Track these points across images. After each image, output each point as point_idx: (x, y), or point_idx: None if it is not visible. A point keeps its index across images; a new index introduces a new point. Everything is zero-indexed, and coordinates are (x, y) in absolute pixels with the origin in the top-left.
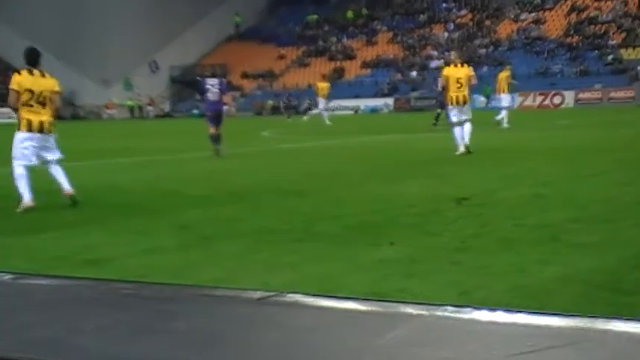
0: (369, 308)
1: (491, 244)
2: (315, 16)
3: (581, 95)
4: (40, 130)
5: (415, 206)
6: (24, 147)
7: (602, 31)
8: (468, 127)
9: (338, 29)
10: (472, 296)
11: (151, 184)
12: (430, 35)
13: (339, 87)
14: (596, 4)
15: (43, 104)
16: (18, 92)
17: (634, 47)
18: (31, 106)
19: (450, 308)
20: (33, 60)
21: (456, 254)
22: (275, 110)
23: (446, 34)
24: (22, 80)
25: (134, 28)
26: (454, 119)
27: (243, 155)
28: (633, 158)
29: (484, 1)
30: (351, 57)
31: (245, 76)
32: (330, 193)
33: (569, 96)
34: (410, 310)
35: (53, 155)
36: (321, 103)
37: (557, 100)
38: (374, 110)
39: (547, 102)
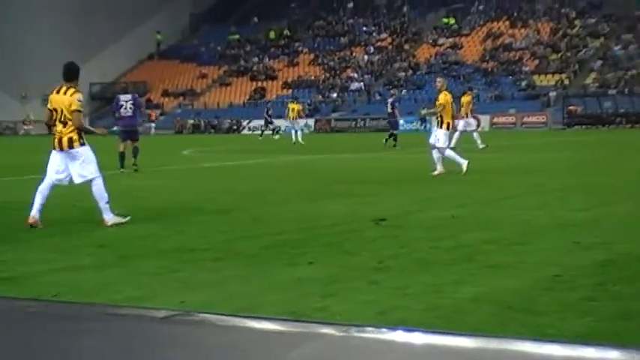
0: (280, 327)
1: (408, 265)
2: (236, 36)
3: (496, 119)
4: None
5: (334, 226)
6: None
7: (517, 58)
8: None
9: (260, 49)
10: (390, 316)
11: (69, 201)
12: (351, 58)
13: (261, 107)
14: (510, 31)
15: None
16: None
17: (546, 74)
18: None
19: (364, 328)
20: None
21: (375, 274)
22: (195, 129)
23: (366, 57)
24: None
25: (53, 44)
26: (451, 144)
27: (163, 173)
28: (545, 182)
29: (403, 25)
30: (272, 77)
31: (166, 94)
32: (250, 212)
33: (485, 120)
34: (320, 329)
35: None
36: (292, 123)
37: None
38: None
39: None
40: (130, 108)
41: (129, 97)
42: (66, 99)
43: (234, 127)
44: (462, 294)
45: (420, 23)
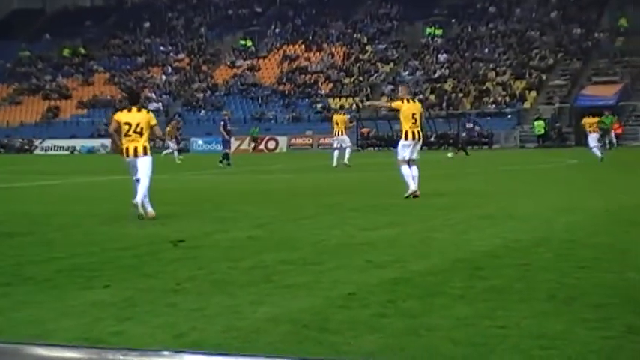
0: (72, 354)
1: (206, 286)
2: (27, 53)
3: (293, 141)
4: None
5: (132, 248)
6: None
7: (312, 81)
8: (416, 170)
9: (53, 67)
10: (187, 338)
11: None
12: (148, 77)
13: (54, 127)
14: (306, 54)
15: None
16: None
17: (340, 97)
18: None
19: (160, 352)
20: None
21: (172, 296)
22: None
23: (164, 77)
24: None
25: None
26: (404, 156)
27: None
28: (341, 202)
29: (201, 46)
30: (66, 96)
31: None
32: (43, 235)
33: (283, 141)
34: (115, 355)
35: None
36: (172, 143)
37: (271, 145)
38: (91, 151)
39: (262, 146)
40: None
41: None
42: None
43: (27, 147)
44: (259, 314)
45: (218, 44)
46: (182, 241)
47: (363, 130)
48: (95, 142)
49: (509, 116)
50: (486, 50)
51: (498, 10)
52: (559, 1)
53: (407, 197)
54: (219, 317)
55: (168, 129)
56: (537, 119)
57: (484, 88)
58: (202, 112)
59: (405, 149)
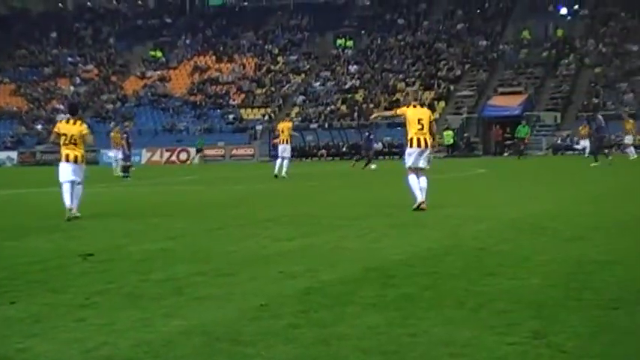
0: None
1: (116, 300)
2: None
3: (206, 152)
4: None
5: (40, 262)
6: None
7: (224, 92)
8: (424, 181)
9: None
10: (96, 353)
11: None
12: (56, 88)
13: None
14: (217, 65)
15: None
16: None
17: (252, 108)
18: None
19: None
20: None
21: (81, 311)
22: None
23: (72, 88)
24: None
25: None
26: (410, 164)
27: None
28: (253, 213)
29: (110, 57)
30: None
31: None
32: None
33: (195, 152)
34: None
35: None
36: (116, 152)
37: (183, 156)
38: None
39: (174, 158)
40: None
41: None
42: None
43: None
44: (171, 327)
45: (127, 55)
46: (91, 255)
47: (276, 141)
48: (1, 155)
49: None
50: (395, 61)
51: (407, 22)
52: (465, 14)
53: (415, 209)
54: (130, 331)
55: (112, 134)
56: (446, 129)
57: (394, 98)
58: (112, 123)
59: (410, 157)
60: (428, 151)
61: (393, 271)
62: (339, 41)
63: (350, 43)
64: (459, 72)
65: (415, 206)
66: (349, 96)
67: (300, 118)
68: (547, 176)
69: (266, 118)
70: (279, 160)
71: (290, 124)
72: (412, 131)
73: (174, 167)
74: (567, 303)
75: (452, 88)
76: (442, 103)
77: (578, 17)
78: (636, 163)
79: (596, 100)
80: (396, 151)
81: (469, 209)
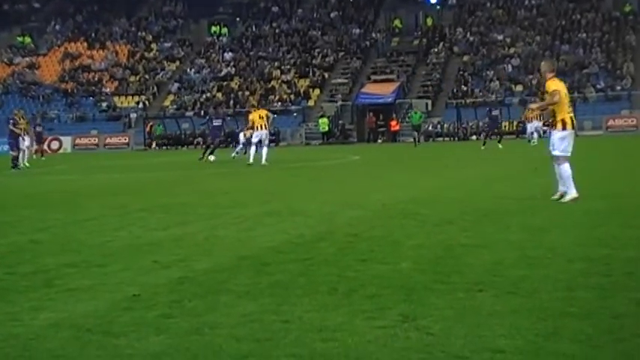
0: None
1: None
2: None
3: (78, 141)
4: None
5: None
6: None
7: (96, 79)
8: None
9: None
10: None
11: None
12: None
13: None
14: (89, 52)
15: None
16: None
17: (126, 95)
18: None
19: None
20: None
21: None
22: None
23: None
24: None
25: None
26: (569, 149)
27: None
28: (127, 202)
29: None
30: None
31: None
32: None
33: (67, 141)
34: None
35: None
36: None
37: (54, 145)
38: None
39: (45, 147)
40: None
41: None
42: None
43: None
44: (39, 320)
45: None
46: None
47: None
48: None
49: (295, 114)
50: (271, 49)
51: (281, 9)
52: (338, 2)
53: (573, 199)
54: None
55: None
56: (321, 117)
57: (270, 86)
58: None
59: (563, 141)
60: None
61: (266, 259)
62: (213, 28)
63: (224, 30)
64: (332, 60)
65: (572, 198)
66: (225, 83)
67: (175, 106)
68: (420, 162)
69: (140, 106)
70: (253, 148)
71: (264, 112)
72: (564, 110)
73: (45, 157)
74: (435, 286)
75: (326, 75)
76: (317, 91)
77: (446, 6)
78: (533, 149)
79: (464, 88)
80: (272, 138)
81: (343, 196)
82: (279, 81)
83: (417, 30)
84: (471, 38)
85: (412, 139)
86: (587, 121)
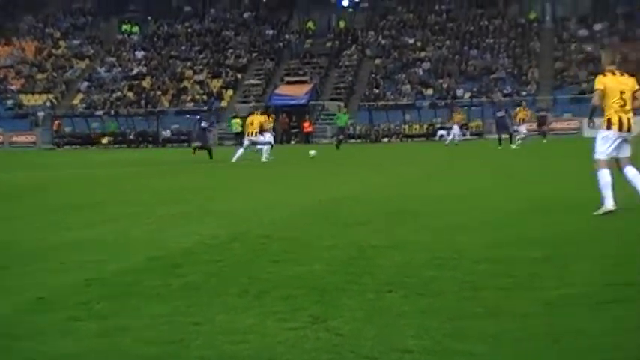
0: None
1: None
2: None
3: None
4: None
5: None
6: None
7: (2, 76)
8: (634, 172)
9: None
10: None
11: None
12: None
13: None
14: None
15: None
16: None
17: (34, 93)
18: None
19: None
20: None
21: None
22: None
23: None
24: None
25: None
26: (606, 153)
27: None
28: (35, 203)
29: None
30: None
31: None
32: None
33: None
34: None
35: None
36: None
37: None
38: None
39: None
40: None
41: None
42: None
43: None
44: None
45: None
46: None
47: (57, 125)
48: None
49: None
50: (183, 48)
51: (193, 9)
52: (251, 3)
53: (605, 212)
54: None
55: None
56: (234, 117)
57: (182, 86)
58: None
59: (605, 144)
60: (630, 136)
61: (178, 260)
62: (124, 26)
63: (136, 28)
64: (245, 60)
65: (605, 211)
66: (136, 83)
67: (84, 105)
68: (334, 164)
69: (48, 104)
70: (241, 150)
71: (262, 118)
72: (612, 108)
73: None
74: (347, 287)
75: (239, 76)
76: (230, 92)
77: (359, 10)
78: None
79: (377, 90)
80: (184, 138)
81: (256, 197)
82: (192, 81)
83: (329, 32)
84: (383, 41)
85: (326, 141)
86: (494, 124)
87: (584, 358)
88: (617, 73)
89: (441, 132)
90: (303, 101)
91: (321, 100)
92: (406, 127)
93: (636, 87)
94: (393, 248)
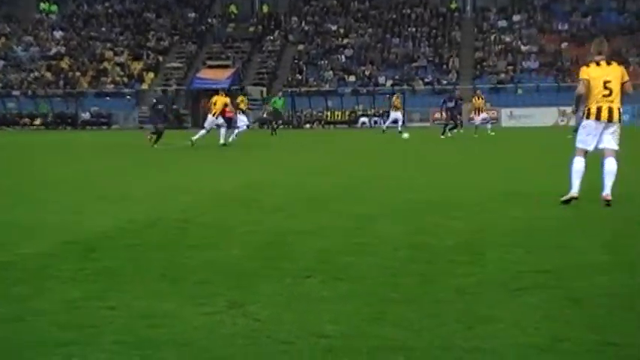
0: None
1: None
2: None
3: None
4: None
5: None
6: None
7: None
8: (611, 167)
9: None
10: None
11: None
12: None
13: None
14: None
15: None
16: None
17: None
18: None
19: None
20: None
21: None
22: None
23: None
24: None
25: None
26: (580, 143)
27: None
28: None
29: None
30: None
31: None
32: None
33: None
34: None
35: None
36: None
37: None
38: None
39: None
40: None
41: None
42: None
43: None
44: None
45: None
46: None
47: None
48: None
49: (128, 97)
50: (103, 29)
51: None
52: None
53: (565, 202)
54: None
55: None
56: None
57: (102, 67)
58: None
59: (582, 132)
60: (615, 127)
61: (94, 244)
62: (42, 5)
63: (54, 7)
64: (167, 43)
65: (566, 198)
66: (54, 63)
67: (0, 85)
68: (253, 149)
69: None
70: (203, 132)
71: (226, 99)
72: (594, 97)
73: None
74: (265, 273)
75: (161, 59)
76: (151, 74)
77: None
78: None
79: (299, 76)
80: (104, 120)
81: (176, 181)
82: (112, 63)
83: (252, 17)
84: (306, 27)
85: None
86: (416, 113)
87: (496, 344)
88: (603, 63)
89: (363, 119)
90: (225, 85)
91: (243, 84)
92: (328, 113)
93: (626, 77)
94: (312, 234)
